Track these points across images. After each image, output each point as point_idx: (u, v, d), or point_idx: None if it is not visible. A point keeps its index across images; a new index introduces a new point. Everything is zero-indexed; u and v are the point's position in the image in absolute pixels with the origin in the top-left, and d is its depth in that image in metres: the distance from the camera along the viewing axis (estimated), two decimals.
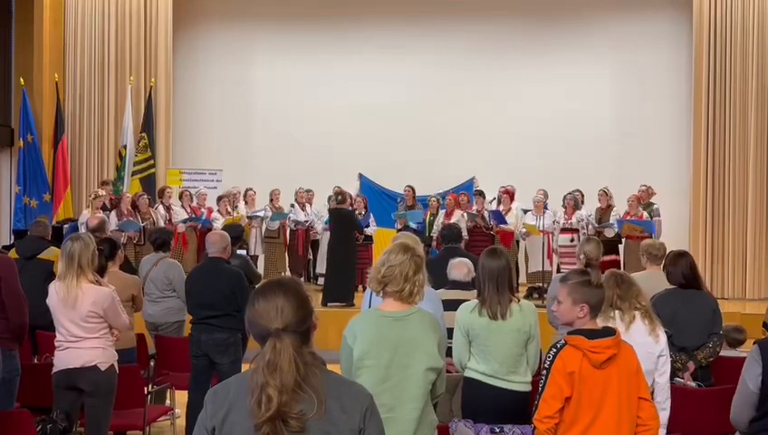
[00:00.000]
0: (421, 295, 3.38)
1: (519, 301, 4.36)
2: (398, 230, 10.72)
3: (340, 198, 10.53)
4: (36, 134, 12.35)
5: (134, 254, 10.32)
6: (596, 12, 13.82)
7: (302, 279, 11.96)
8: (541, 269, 10.95)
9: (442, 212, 11.58)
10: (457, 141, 13.58)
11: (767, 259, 12.35)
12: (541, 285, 10.81)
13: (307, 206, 12.26)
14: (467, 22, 13.72)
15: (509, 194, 11.42)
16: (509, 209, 11.28)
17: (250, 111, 14.06)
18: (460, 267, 5.52)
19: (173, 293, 7.02)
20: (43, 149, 12.52)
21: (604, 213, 10.92)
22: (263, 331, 2.13)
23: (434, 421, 3.38)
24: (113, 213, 10.62)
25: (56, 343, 4.84)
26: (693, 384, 5.08)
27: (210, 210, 11.54)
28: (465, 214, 11.26)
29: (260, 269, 10.27)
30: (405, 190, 12.29)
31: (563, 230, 10.88)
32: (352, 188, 12.60)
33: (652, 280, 5.48)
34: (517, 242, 11.36)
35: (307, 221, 12.07)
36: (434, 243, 10.88)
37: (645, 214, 10.76)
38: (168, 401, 6.43)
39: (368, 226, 11.45)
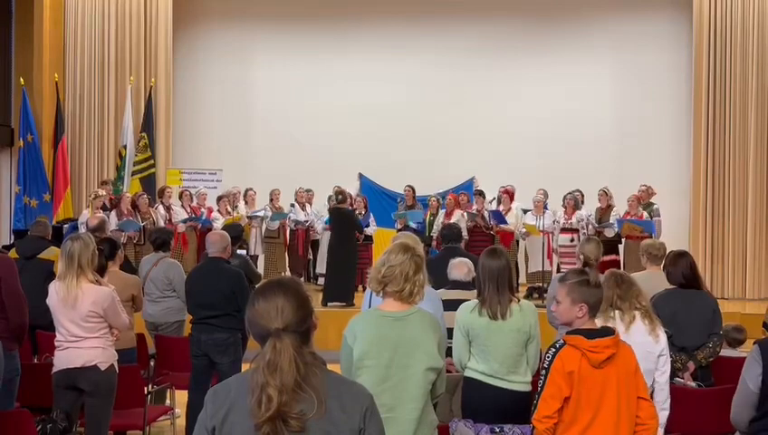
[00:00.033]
0: (421, 295, 3.38)
1: (519, 301, 4.37)
2: (398, 230, 10.72)
3: (340, 197, 10.53)
4: (36, 134, 12.34)
5: (134, 254, 10.32)
6: (596, 12, 13.82)
7: (302, 279, 11.96)
8: (541, 269, 10.95)
9: (442, 212, 11.58)
10: (457, 141, 13.58)
11: (767, 259, 12.35)
12: (541, 285, 10.81)
13: (307, 206, 12.26)
14: (467, 22, 13.72)
15: (509, 194, 11.42)
16: (509, 209, 11.29)
17: (250, 111, 14.06)
18: (460, 267, 5.52)
19: (173, 293, 7.02)
20: (43, 149, 12.52)
21: (604, 213, 10.92)
22: (263, 331, 2.13)
23: (434, 421, 3.39)
24: (113, 213, 10.62)
25: (56, 343, 4.84)
26: (693, 384, 5.08)
27: (210, 210, 11.54)
28: (465, 214, 11.26)
29: (260, 269, 10.27)
30: (405, 190, 12.29)
31: (563, 230, 10.88)
32: (352, 188, 12.60)
33: (652, 280, 5.49)
34: (517, 242, 11.37)
35: (307, 221, 12.07)
36: (434, 243, 10.88)
37: (645, 214, 10.76)
38: (168, 401, 6.43)
39: (368, 226, 11.45)
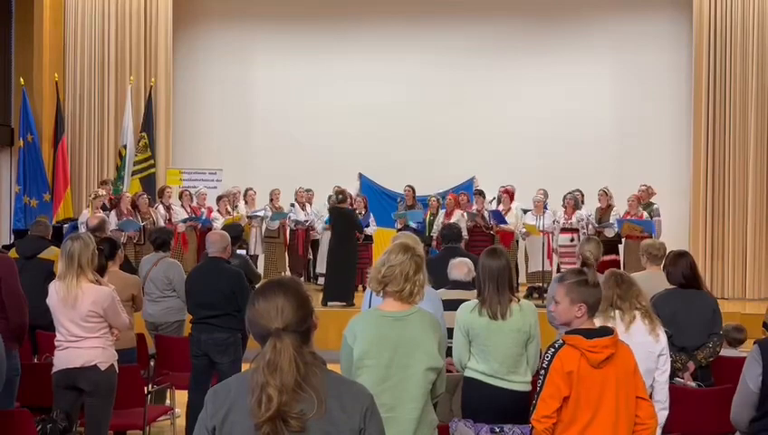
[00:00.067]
0: (421, 295, 3.38)
1: (519, 301, 4.37)
2: (398, 230, 10.72)
3: (340, 196, 10.53)
4: (36, 134, 12.35)
5: (134, 253, 10.32)
6: (596, 12, 13.82)
7: (302, 279, 11.95)
8: (541, 269, 10.95)
9: (442, 212, 11.58)
10: (457, 141, 13.58)
11: (767, 259, 12.35)
12: (541, 284, 10.81)
13: (307, 205, 12.26)
14: (467, 22, 13.72)
15: (509, 194, 11.42)
16: (509, 209, 11.29)
17: (250, 111, 14.06)
18: (461, 267, 5.52)
19: (173, 292, 7.02)
20: (43, 149, 12.52)
21: (604, 213, 10.92)
22: (263, 331, 2.13)
23: (434, 421, 3.39)
24: (113, 213, 10.62)
25: (56, 343, 4.84)
26: (693, 384, 5.08)
27: (210, 210, 11.53)
28: (465, 213, 11.26)
29: (260, 269, 10.28)
30: (405, 190, 12.29)
31: (563, 230, 10.88)
32: (352, 188, 12.60)
33: (652, 280, 5.49)
34: (517, 242, 11.37)
35: (307, 221, 12.07)
36: (434, 243, 10.89)
37: (645, 214, 10.77)
38: (167, 401, 6.43)
39: (368, 225, 11.45)
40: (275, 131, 13.84)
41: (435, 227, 11.32)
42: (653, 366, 4.19)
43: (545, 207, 11.27)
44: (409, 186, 12.23)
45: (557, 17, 13.81)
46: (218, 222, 10.87)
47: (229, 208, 11.60)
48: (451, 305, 4.70)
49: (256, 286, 2.35)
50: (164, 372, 6.53)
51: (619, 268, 8.52)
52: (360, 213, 11.45)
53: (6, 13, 12.53)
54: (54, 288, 4.77)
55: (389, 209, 12.49)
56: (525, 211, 11.43)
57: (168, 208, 11.25)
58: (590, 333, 3.28)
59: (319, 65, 13.84)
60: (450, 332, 4.27)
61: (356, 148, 13.46)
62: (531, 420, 3.35)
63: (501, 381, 4.23)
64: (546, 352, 3.38)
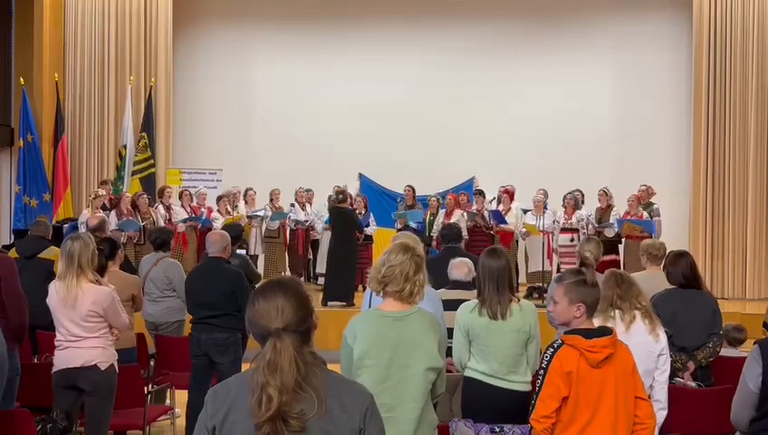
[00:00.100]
0: (421, 295, 3.38)
1: (519, 301, 4.37)
2: (398, 230, 10.72)
3: (341, 196, 10.53)
4: (36, 134, 12.35)
5: (134, 253, 10.32)
6: (596, 12, 13.82)
7: (302, 279, 11.95)
8: (541, 269, 10.95)
9: (442, 212, 11.58)
10: (457, 141, 13.58)
11: (767, 259, 12.36)
12: (541, 284, 10.81)
13: (307, 205, 12.26)
14: (467, 22, 13.73)
15: (509, 194, 11.42)
16: (509, 209, 11.29)
17: (250, 111, 14.06)
18: (461, 267, 5.52)
19: (173, 292, 7.03)
20: (43, 149, 12.52)
21: (604, 213, 10.93)
22: (263, 331, 2.13)
23: (434, 421, 3.39)
24: (113, 213, 10.62)
25: (56, 343, 4.84)
26: (693, 384, 5.08)
27: (210, 210, 11.54)
28: (466, 213, 11.26)
29: (260, 269, 10.27)
30: (405, 190, 12.29)
31: (563, 230, 10.88)
32: (352, 188, 12.60)
33: (652, 280, 5.49)
34: (517, 242, 11.37)
35: (307, 221, 12.07)
36: (434, 243, 10.89)
37: (645, 214, 10.77)
38: (167, 401, 6.43)
39: (368, 225, 11.45)
40: (275, 131, 13.84)
41: (435, 227, 11.32)
42: (653, 366, 4.19)
43: (545, 207, 11.27)
44: (409, 186, 12.23)
45: (557, 17, 13.81)
46: (218, 222, 10.87)
47: (229, 208, 11.60)
48: (451, 305, 4.70)
49: (256, 286, 2.34)
50: (164, 372, 6.53)
51: (619, 268, 8.52)
52: (360, 213, 11.45)
53: (6, 13, 12.53)
54: (54, 288, 4.77)
55: (389, 209, 12.49)
56: (525, 211, 11.43)
57: (167, 208, 11.25)
58: (589, 333, 3.28)
59: (319, 65, 13.84)
60: (450, 332, 4.27)
61: (356, 148, 13.46)
62: (530, 421, 3.35)
63: (501, 382, 4.24)
64: (545, 352, 3.38)
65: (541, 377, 3.34)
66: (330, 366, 2.20)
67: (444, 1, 13.81)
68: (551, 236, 11.01)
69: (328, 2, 13.92)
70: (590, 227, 10.78)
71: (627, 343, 3.43)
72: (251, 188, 12.05)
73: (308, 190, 12.37)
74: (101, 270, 5.14)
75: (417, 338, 3.28)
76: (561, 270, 10.12)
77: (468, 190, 12.36)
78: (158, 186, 12.28)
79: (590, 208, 11.17)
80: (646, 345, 4.14)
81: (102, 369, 4.76)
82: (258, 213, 11.78)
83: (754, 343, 3.48)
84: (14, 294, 4.96)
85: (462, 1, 13.78)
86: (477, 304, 4.32)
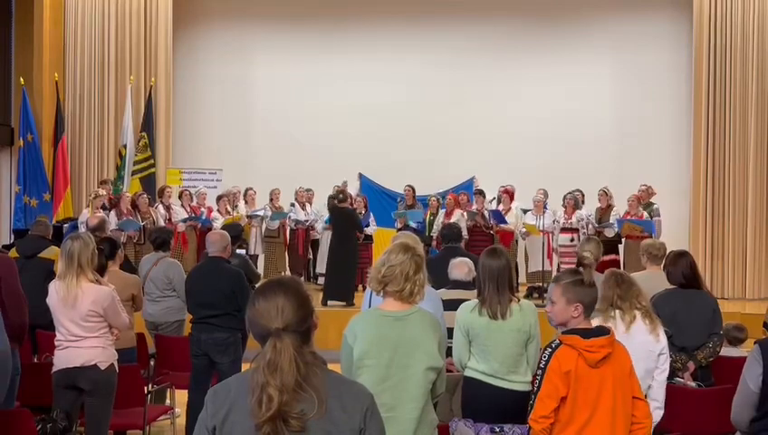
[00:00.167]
0: (421, 295, 3.38)
1: (519, 301, 4.37)
2: (398, 230, 10.72)
3: (341, 196, 10.54)
4: (36, 134, 12.34)
5: (134, 253, 10.31)
6: (596, 12, 13.83)
7: (302, 279, 11.95)
8: (541, 269, 10.96)
9: (442, 212, 11.58)
10: (457, 141, 13.58)
11: (767, 259, 12.36)
12: (541, 284, 10.81)
13: (307, 205, 12.26)
14: (467, 22, 13.72)
15: (509, 194, 11.43)
16: (509, 209, 11.29)
17: (250, 110, 14.06)
18: (461, 267, 5.52)
19: (173, 292, 7.03)
20: (43, 149, 12.52)
21: (604, 213, 10.93)
22: (263, 330, 2.13)
23: (434, 421, 3.39)
24: (113, 212, 10.62)
25: (56, 343, 4.85)
26: (693, 384, 5.08)
27: (210, 210, 11.54)
28: (466, 213, 11.26)
29: (260, 269, 10.28)
30: (405, 190, 12.30)
31: (563, 230, 10.89)
32: (352, 188, 12.60)
33: (652, 280, 5.48)
34: (517, 242, 11.37)
35: (307, 221, 12.07)
36: (434, 242, 10.89)
37: (645, 214, 10.77)
38: (167, 401, 6.43)
39: (368, 225, 11.45)
40: (275, 131, 13.84)
41: (435, 226, 11.32)
42: (653, 366, 4.19)
43: (545, 207, 11.28)
44: (409, 186, 12.24)
45: (557, 17, 13.81)
46: (218, 222, 10.88)
47: (229, 208, 11.60)
48: (451, 305, 4.70)
49: (256, 286, 2.34)
50: (164, 372, 6.53)
51: (619, 268, 8.52)
52: (360, 213, 11.45)
53: (6, 13, 12.53)
54: (54, 288, 4.78)
55: (389, 209, 12.49)
56: (525, 211, 11.43)
57: (167, 208, 11.25)
58: (587, 333, 3.28)
59: (319, 65, 13.84)
60: (450, 332, 4.27)
61: (356, 148, 13.46)
62: (528, 421, 3.36)
63: (501, 381, 4.23)
64: (543, 352, 3.38)
65: (539, 377, 3.35)
66: (330, 366, 2.20)
67: (444, 1, 13.81)
68: (551, 235, 11.02)
69: (328, 2, 13.92)
70: (590, 226, 10.78)
71: (627, 343, 3.43)
72: (251, 188, 12.05)
73: (308, 190, 12.37)
74: (101, 270, 5.15)
75: (417, 338, 3.28)
76: (561, 270, 10.13)
77: (468, 190, 12.36)
78: (158, 186, 12.27)
79: (590, 208, 11.17)
80: (646, 345, 4.14)
81: (102, 369, 4.76)
82: (258, 213, 11.78)
83: (755, 342, 3.48)
84: (14, 294, 4.95)
85: (462, 1, 13.78)
86: (477, 303, 4.32)
